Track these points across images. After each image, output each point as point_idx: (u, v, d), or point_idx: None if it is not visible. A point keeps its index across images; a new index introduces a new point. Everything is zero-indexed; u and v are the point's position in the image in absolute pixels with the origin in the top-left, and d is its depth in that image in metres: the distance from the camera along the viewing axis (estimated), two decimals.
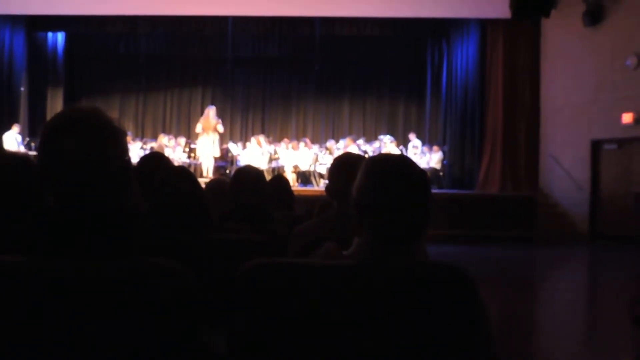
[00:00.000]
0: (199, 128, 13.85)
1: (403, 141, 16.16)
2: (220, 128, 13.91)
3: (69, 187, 1.24)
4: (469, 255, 9.97)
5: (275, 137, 16.96)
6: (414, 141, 15.37)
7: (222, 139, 15.06)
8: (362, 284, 1.36)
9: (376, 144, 14.88)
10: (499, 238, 11.51)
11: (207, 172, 13.48)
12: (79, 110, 1.31)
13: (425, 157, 14.77)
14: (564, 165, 12.99)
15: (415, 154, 14.82)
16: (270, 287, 1.35)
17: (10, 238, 1.51)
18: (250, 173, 3.05)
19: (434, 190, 12.80)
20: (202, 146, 13.78)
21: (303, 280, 1.37)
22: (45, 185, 1.28)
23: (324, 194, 2.40)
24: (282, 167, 14.62)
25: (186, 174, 2.37)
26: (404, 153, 14.52)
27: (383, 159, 1.54)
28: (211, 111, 13.75)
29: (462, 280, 1.37)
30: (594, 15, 12.08)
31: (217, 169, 14.11)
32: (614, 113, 11.72)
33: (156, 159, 3.12)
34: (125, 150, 1.32)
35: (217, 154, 13.94)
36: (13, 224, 1.63)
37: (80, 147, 1.24)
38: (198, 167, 14.02)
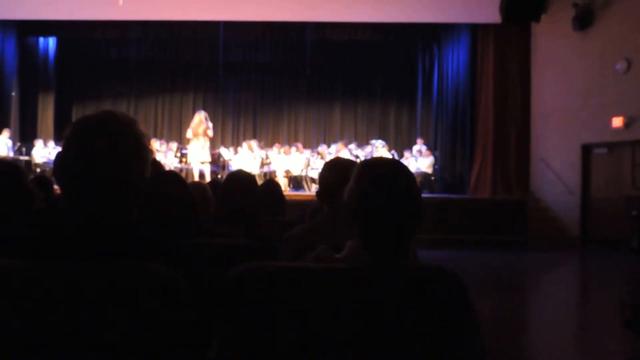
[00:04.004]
0: (189, 133, 13.82)
1: (395, 146, 16.20)
2: (210, 133, 13.86)
3: (86, 186, 1.24)
4: (461, 259, 9.98)
5: (267, 141, 16.99)
6: (421, 146, 15.31)
7: (214, 143, 15.04)
8: (354, 287, 1.37)
9: (368, 149, 14.90)
10: (490, 242, 11.54)
11: (198, 177, 13.43)
12: (116, 116, 1.31)
13: (417, 161, 14.80)
14: (554, 169, 13.04)
15: (406, 158, 14.85)
16: (260, 291, 1.35)
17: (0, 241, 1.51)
18: (241, 178, 3.05)
19: (426, 195, 12.86)
20: (193, 151, 13.73)
21: (295, 284, 1.37)
22: (58, 177, 1.28)
23: (316, 197, 2.39)
24: (274, 171, 14.62)
25: (177, 179, 2.37)
26: (396, 157, 14.56)
27: (374, 164, 1.54)
28: (200, 116, 13.72)
29: (453, 283, 1.37)
30: (584, 20, 12.15)
31: (209, 173, 14.07)
32: (604, 117, 11.77)
33: None
34: (147, 168, 1.32)
35: (208, 158, 13.89)
36: (2, 227, 1.62)
37: (110, 150, 1.24)
38: (190, 172, 14.00)
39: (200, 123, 13.50)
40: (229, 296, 1.36)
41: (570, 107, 12.64)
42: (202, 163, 13.68)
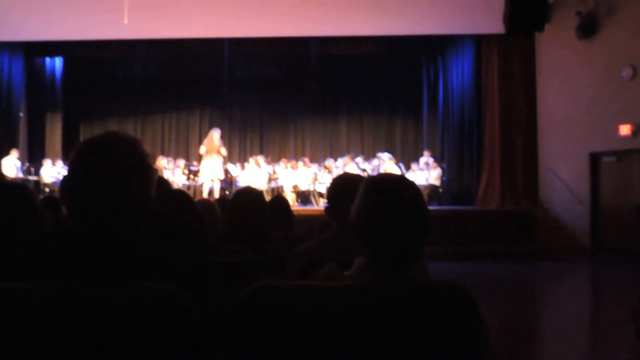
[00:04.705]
0: (202, 150, 13.88)
1: (402, 158, 16.19)
2: (224, 151, 13.91)
3: (91, 207, 1.26)
4: (470, 271, 9.93)
5: (274, 157, 17.02)
6: (428, 159, 15.29)
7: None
8: (364, 306, 1.36)
9: (375, 162, 14.89)
10: (499, 253, 11.47)
11: (207, 194, 13.46)
12: (120, 137, 1.33)
13: (424, 173, 14.78)
14: (562, 178, 12.99)
15: (414, 170, 14.84)
16: (271, 310, 1.35)
17: (10, 264, 1.52)
18: (249, 194, 3.05)
19: (434, 207, 12.82)
20: (206, 168, 13.76)
21: (304, 303, 1.36)
22: (64, 199, 1.30)
23: (324, 213, 2.39)
24: (282, 187, 14.63)
25: (184, 198, 2.37)
26: (403, 170, 14.57)
27: (380, 181, 1.54)
28: (215, 134, 13.77)
29: (463, 299, 1.37)
30: (588, 28, 12.16)
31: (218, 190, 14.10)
32: (611, 125, 11.73)
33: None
34: (151, 187, 1.34)
35: (221, 176, 13.92)
36: (12, 250, 1.63)
37: (114, 170, 1.26)
38: (198, 189, 14.03)
39: (216, 141, 13.57)
40: (238, 315, 1.35)
41: (577, 115, 12.62)
42: (212, 180, 13.72)
